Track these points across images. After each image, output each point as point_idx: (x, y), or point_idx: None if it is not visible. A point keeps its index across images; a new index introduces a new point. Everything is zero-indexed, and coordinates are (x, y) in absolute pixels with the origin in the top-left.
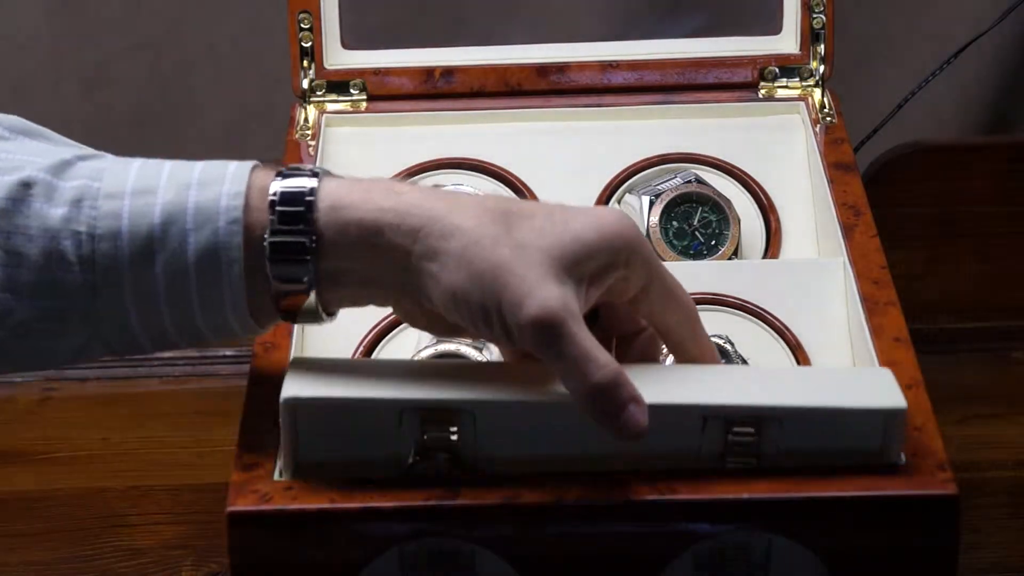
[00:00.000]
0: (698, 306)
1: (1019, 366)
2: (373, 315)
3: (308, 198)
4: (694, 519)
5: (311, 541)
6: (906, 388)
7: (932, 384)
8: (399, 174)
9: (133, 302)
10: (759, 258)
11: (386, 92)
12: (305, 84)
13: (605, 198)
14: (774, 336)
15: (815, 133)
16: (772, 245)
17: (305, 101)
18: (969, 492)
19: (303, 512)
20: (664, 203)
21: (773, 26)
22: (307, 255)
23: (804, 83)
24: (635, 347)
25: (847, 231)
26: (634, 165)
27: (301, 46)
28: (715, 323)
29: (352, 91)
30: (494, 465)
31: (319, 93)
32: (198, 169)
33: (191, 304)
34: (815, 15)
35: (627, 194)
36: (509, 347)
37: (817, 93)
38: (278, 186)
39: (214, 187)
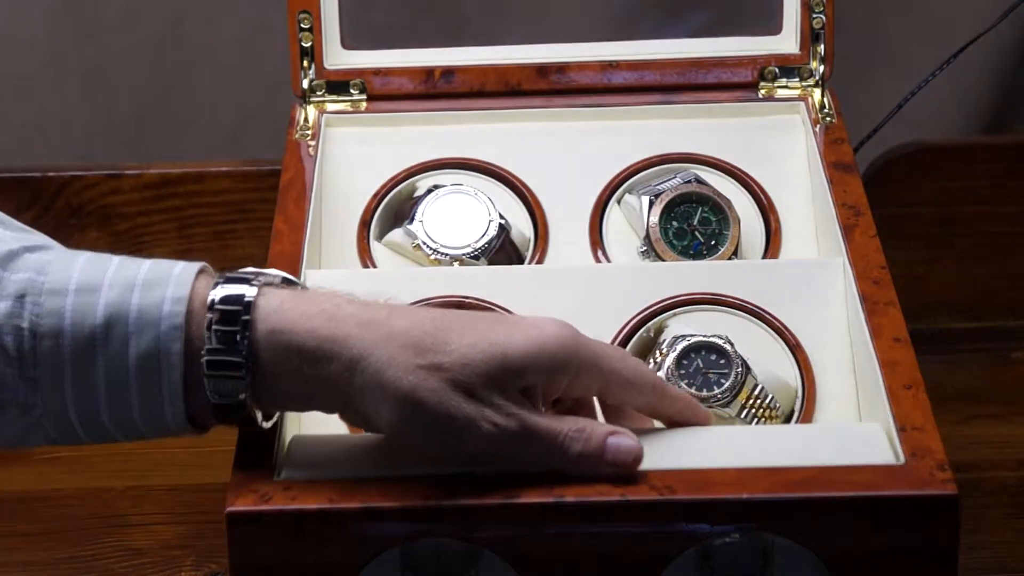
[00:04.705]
0: (698, 306)
1: (1019, 366)
2: None
3: (244, 317)
4: (694, 519)
5: (311, 541)
6: (906, 388)
7: (932, 384)
8: (399, 174)
9: (73, 399)
10: (759, 258)
11: (386, 92)
12: (305, 84)
13: (605, 198)
14: (774, 336)
15: (815, 133)
16: (772, 245)
17: (305, 101)
18: (969, 492)
19: (302, 512)
20: (664, 203)
21: (773, 26)
22: (244, 374)
23: (804, 83)
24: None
25: (847, 231)
26: (634, 165)
27: (301, 46)
28: (715, 323)
29: (352, 91)
30: None
31: (319, 93)
32: (144, 268)
33: (130, 406)
34: (815, 15)
35: (627, 194)
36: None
37: (817, 93)
38: (217, 294)
39: (158, 290)
